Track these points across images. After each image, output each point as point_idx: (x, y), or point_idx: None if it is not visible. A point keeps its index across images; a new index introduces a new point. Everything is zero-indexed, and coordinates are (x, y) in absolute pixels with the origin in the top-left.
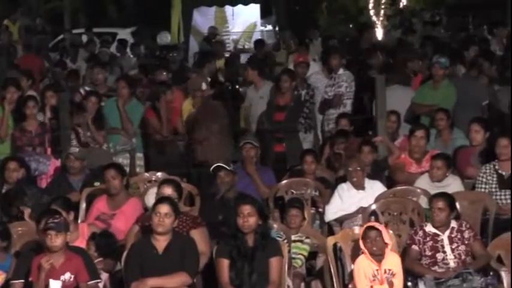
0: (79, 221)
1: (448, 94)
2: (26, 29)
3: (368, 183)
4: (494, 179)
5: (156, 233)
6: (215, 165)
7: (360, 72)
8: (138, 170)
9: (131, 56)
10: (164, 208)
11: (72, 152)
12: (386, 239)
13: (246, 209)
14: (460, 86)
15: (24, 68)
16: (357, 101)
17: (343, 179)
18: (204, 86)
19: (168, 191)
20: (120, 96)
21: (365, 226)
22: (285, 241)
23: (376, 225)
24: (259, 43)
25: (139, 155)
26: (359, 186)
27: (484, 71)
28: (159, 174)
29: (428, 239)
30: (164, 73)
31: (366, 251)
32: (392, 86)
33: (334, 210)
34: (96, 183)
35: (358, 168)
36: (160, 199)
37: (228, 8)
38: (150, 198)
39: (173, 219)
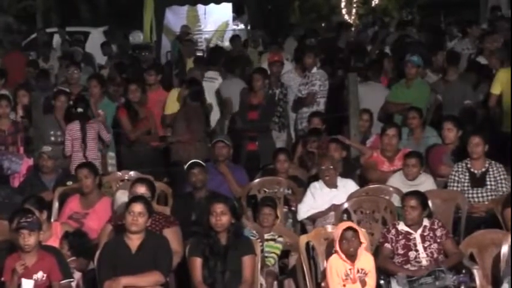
0: (52, 220)
1: (420, 92)
2: (5, 28)
3: (340, 181)
4: (467, 177)
5: (129, 232)
6: (190, 161)
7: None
8: (110, 169)
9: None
10: (138, 207)
11: (45, 150)
12: (362, 239)
13: (219, 207)
14: (453, 88)
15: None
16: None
17: (315, 178)
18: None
19: (141, 189)
20: (92, 95)
21: (343, 228)
22: (258, 240)
23: (353, 225)
24: (235, 39)
25: (111, 154)
26: (331, 184)
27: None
28: (131, 173)
29: (400, 237)
30: (153, 74)
31: (340, 252)
32: (364, 83)
33: (306, 208)
34: (69, 183)
35: (331, 167)
36: (134, 198)
37: (200, 7)
38: (118, 200)
39: (147, 218)
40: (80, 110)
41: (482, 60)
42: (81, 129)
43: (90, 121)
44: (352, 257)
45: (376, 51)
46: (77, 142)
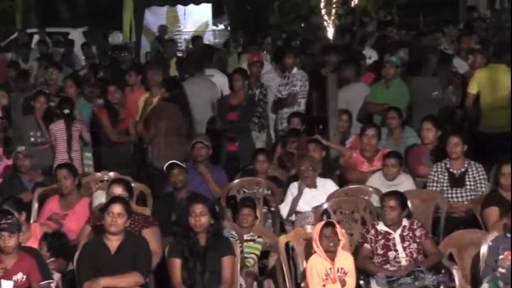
0: (31, 221)
1: (399, 93)
2: None
3: (320, 181)
4: (446, 177)
5: (108, 233)
6: (170, 162)
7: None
8: (86, 169)
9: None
10: (117, 208)
11: (20, 150)
12: (340, 236)
13: (198, 208)
14: (418, 86)
15: None
16: None
17: (295, 178)
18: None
19: (118, 190)
20: (68, 95)
21: (322, 223)
22: (237, 240)
23: (331, 221)
24: (196, 39)
25: (88, 154)
26: (311, 185)
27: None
28: (111, 174)
29: (380, 237)
30: (133, 75)
31: (321, 249)
32: (345, 86)
33: (287, 208)
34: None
35: (310, 168)
36: (113, 199)
37: (179, 8)
38: (95, 201)
39: (126, 219)
40: (66, 111)
41: (456, 60)
42: (67, 130)
43: (75, 122)
44: (332, 254)
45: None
46: (62, 143)
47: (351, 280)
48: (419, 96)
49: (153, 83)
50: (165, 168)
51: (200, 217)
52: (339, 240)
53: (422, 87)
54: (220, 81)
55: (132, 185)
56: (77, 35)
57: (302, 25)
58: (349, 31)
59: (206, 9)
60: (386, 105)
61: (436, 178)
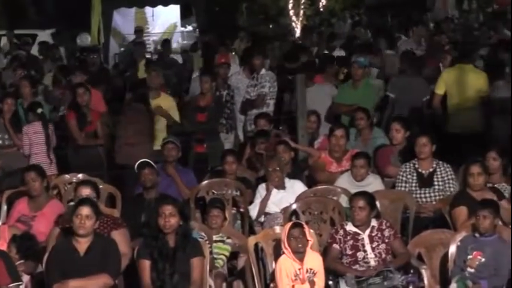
0: (0, 224)
1: (367, 93)
2: None
3: (288, 182)
4: (414, 177)
5: (77, 235)
6: (140, 161)
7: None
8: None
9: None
10: (85, 210)
11: None
12: (308, 236)
13: (168, 209)
14: (401, 85)
15: None
16: None
17: (264, 179)
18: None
19: (86, 191)
20: (24, 96)
21: (290, 224)
22: (207, 241)
23: (299, 222)
24: (165, 43)
25: None
26: (279, 186)
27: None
28: (80, 175)
29: (348, 237)
30: (79, 75)
31: (289, 250)
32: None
33: (256, 209)
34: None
35: (277, 169)
36: (81, 201)
37: (148, 9)
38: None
39: (94, 221)
40: (39, 110)
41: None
42: (44, 130)
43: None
44: (300, 254)
45: (322, 52)
46: (40, 145)
47: (320, 280)
48: (403, 96)
49: (156, 85)
50: (135, 167)
51: (169, 218)
52: (307, 240)
53: (405, 87)
54: None
55: (100, 186)
56: (45, 37)
57: (270, 26)
58: (317, 32)
59: (174, 10)
60: (355, 106)
61: (404, 178)
